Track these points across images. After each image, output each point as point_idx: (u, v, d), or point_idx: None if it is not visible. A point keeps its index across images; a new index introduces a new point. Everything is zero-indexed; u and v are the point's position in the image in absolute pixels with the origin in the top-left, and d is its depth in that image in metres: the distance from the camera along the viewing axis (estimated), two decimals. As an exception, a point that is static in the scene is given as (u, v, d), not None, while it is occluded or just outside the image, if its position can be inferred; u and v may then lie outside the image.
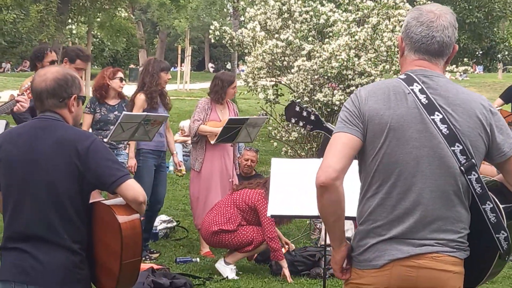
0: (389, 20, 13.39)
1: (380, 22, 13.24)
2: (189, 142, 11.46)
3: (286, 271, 7.42)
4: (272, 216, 6.05)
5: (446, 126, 3.17)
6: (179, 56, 37.03)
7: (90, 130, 8.18)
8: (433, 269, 3.19)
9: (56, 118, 3.68)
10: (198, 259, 8.14)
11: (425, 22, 3.26)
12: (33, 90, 3.73)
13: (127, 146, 8.61)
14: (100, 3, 25.71)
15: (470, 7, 25.30)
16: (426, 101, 3.20)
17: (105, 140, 7.71)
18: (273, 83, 14.01)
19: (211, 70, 56.97)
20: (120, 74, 8.44)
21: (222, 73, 8.97)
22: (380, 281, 3.24)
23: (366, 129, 3.23)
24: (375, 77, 12.81)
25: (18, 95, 6.32)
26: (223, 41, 15.03)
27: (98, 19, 30.34)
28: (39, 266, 3.55)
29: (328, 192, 3.17)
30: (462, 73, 15.44)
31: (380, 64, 13.23)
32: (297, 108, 4.18)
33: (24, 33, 26.20)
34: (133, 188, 3.61)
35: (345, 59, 12.53)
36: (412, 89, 3.22)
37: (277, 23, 13.74)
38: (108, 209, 3.63)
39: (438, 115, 3.18)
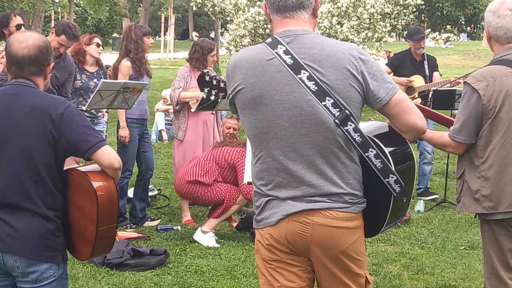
0: (372, -13, 13.34)
1: (363, -11, 13.19)
2: (171, 111, 11.42)
3: None
4: (249, 183, 6.04)
5: (313, 82, 3.18)
6: (163, 25, 36.87)
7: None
8: (327, 225, 3.26)
9: (28, 84, 3.64)
10: (179, 227, 8.12)
11: None
12: (12, 55, 3.65)
13: (105, 114, 8.57)
14: (82, -30, 25.45)
15: (454, -26, 25.32)
16: (292, 61, 3.22)
17: (84, 108, 7.65)
18: (255, 51, 13.94)
19: (195, 39, 56.47)
20: (96, 40, 8.34)
21: (202, 40, 8.84)
22: (278, 236, 3.32)
23: (236, 101, 3.33)
24: (358, 45, 12.78)
25: None
26: (205, 9, 14.93)
27: (80, -13, 30.07)
28: (14, 233, 3.53)
29: None
30: (445, 40, 15.44)
31: (363, 31, 13.21)
32: (207, 78, 4.23)
33: (5, 1, 25.96)
34: (109, 154, 3.59)
35: (328, 27, 12.49)
36: (276, 52, 3.25)
37: (259, -10, 13.66)
38: (83, 176, 3.60)
39: (304, 73, 3.19)
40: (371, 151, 3.26)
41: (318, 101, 3.18)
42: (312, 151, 3.23)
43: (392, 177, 3.28)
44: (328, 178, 3.25)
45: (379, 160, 3.27)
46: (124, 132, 7.99)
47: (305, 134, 3.22)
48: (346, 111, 3.20)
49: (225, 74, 3.39)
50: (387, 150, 3.35)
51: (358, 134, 3.24)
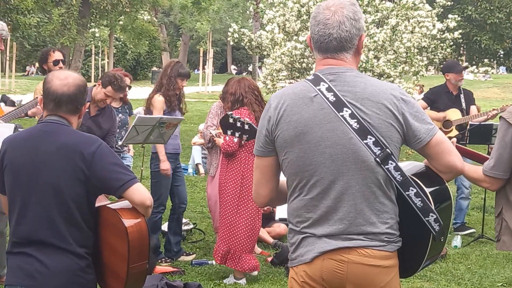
0: (409, 21, 13.35)
1: (399, 23, 13.19)
2: (208, 145, 11.47)
3: None
4: (280, 219, 6.05)
5: (356, 120, 3.18)
6: (201, 59, 37.19)
7: None
8: (362, 264, 3.23)
9: (62, 122, 3.70)
10: (213, 262, 8.10)
11: (321, 20, 3.29)
12: (51, 92, 3.71)
13: (130, 149, 8.61)
14: (121, 6, 25.83)
15: (492, 7, 25.18)
16: (334, 99, 3.22)
17: (120, 142, 7.72)
18: (292, 85, 14.00)
19: (234, 72, 57.02)
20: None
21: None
22: (313, 273, 3.29)
23: (277, 138, 3.31)
24: (394, 79, 12.76)
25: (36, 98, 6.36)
26: (242, 44, 15.03)
27: (120, 22, 30.49)
28: (45, 270, 3.56)
29: None
30: (484, 73, 15.36)
31: (400, 65, 13.19)
32: (231, 120, 4.25)
33: (46, 36, 26.43)
34: (140, 192, 3.62)
35: (364, 61, 12.48)
36: (319, 89, 3.25)
37: (296, 25, 13.73)
38: (114, 213, 3.64)
39: (347, 111, 3.19)
40: (412, 190, 3.26)
41: (360, 139, 3.19)
42: (352, 189, 3.23)
43: (432, 216, 3.26)
44: (365, 217, 3.23)
45: (420, 199, 3.26)
46: (166, 165, 7.97)
47: (346, 172, 3.22)
48: (387, 149, 3.20)
49: (264, 114, 3.38)
50: (427, 189, 3.33)
51: (399, 172, 3.24)
